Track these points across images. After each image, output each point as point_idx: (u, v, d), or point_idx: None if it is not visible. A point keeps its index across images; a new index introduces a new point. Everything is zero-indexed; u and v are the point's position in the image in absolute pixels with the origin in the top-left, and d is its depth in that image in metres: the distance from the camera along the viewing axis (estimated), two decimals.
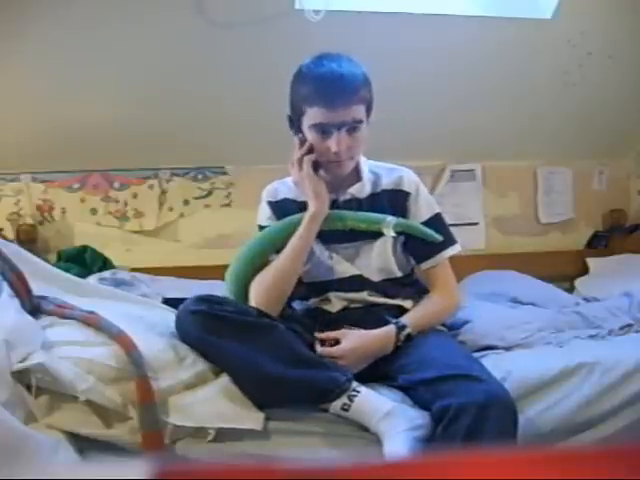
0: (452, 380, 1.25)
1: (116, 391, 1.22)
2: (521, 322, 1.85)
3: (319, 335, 1.45)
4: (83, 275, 2.08)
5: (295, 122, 1.51)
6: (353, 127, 1.44)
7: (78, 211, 2.58)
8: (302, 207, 1.53)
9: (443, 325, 1.63)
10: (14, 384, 1.16)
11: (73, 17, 2.16)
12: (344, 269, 1.56)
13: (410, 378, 1.35)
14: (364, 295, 1.57)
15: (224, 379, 1.31)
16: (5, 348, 1.15)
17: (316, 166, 1.52)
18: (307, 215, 1.49)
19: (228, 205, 2.67)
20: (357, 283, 1.56)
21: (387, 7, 2.29)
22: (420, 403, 1.31)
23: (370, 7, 2.29)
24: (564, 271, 2.75)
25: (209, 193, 2.66)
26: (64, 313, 1.35)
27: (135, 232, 2.62)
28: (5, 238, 2.29)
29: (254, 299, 1.49)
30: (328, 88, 1.40)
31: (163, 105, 2.42)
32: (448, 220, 1.66)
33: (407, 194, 1.57)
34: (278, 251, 1.51)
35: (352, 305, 1.58)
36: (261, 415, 1.26)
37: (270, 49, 2.29)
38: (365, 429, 1.28)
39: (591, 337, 1.82)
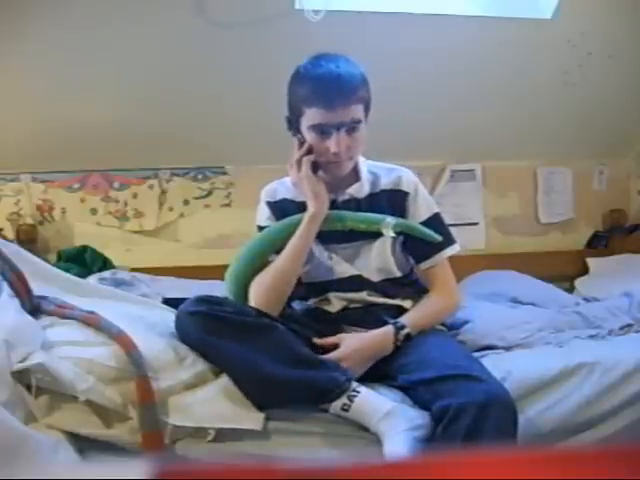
0: (452, 380, 1.25)
1: (116, 391, 1.22)
2: (521, 322, 1.85)
3: (317, 341, 1.45)
4: (83, 275, 2.08)
5: (294, 123, 1.51)
6: (352, 127, 1.44)
7: (78, 211, 2.58)
8: (301, 207, 1.53)
9: (443, 325, 1.63)
10: (14, 384, 1.16)
11: (73, 17, 2.16)
12: (343, 269, 1.56)
13: (410, 378, 1.35)
14: (364, 295, 1.57)
15: (224, 379, 1.31)
16: (5, 348, 1.15)
17: (315, 166, 1.52)
18: (306, 215, 1.49)
19: (228, 205, 2.67)
20: (356, 283, 1.56)
21: (387, 7, 2.29)
22: (420, 403, 1.31)
23: (370, 7, 2.29)
24: (564, 271, 2.75)
25: (209, 193, 2.67)
26: (64, 313, 1.35)
27: (135, 232, 2.62)
28: (5, 238, 2.29)
29: (254, 299, 1.49)
30: (326, 89, 1.40)
31: (163, 105, 2.42)
32: (448, 220, 1.66)
33: (406, 194, 1.57)
34: (278, 252, 1.51)
35: (352, 305, 1.58)
36: (261, 415, 1.26)
37: (270, 49, 2.29)
38: (365, 429, 1.28)
39: (591, 337, 1.81)
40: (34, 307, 1.35)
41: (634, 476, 0.35)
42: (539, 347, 1.74)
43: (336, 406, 1.29)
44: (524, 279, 2.47)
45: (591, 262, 2.76)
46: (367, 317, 1.52)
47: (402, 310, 1.55)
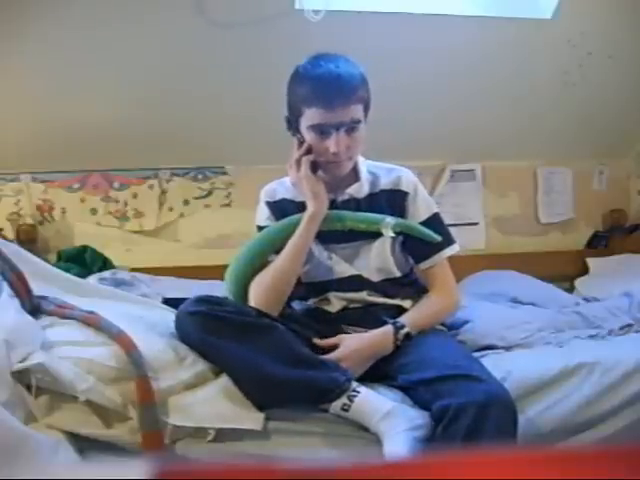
0: (452, 380, 1.25)
1: (116, 391, 1.22)
2: (521, 322, 1.85)
3: (317, 342, 1.45)
4: (83, 275, 2.08)
5: (293, 123, 1.50)
6: (351, 127, 1.44)
7: (78, 211, 2.58)
8: (300, 207, 1.53)
9: (443, 325, 1.63)
10: (14, 384, 1.16)
11: (73, 17, 2.16)
12: (343, 269, 1.56)
13: (410, 378, 1.35)
14: (363, 295, 1.57)
15: (224, 379, 1.31)
16: (5, 348, 1.15)
17: (314, 166, 1.52)
18: (306, 215, 1.49)
19: (228, 205, 2.67)
20: (356, 283, 1.56)
21: (387, 7, 2.29)
22: (420, 403, 1.31)
23: (370, 7, 2.29)
24: (564, 271, 2.75)
25: (209, 193, 2.67)
26: (64, 313, 1.35)
27: (135, 232, 2.62)
28: (5, 238, 2.29)
29: (253, 299, 1.49)
30: (326, 89, 1.40)
31: (163, 105, 2.42)
32: (448, 220, 1.66)
33: (405, 194, 1.57)
34: (277, 251, 1.51)
35: (351, 305, 1.58)
36: (261, 415, 1.26)
37: (270, 49, 2.29)
38: (365, 429, 1.28)
39: (591, 337, 1.81)
40: (34, 307, 1.35)
41: (634, 476, 0.35)
42: (539, 347, 1.74)
43: (336, 406, 1.29)
44: (524, 279, 2.47)
45: (591, 262, 2.76)
46: (367, 317, 1.52)
47: (402, 310, 1.55)
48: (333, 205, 1.55)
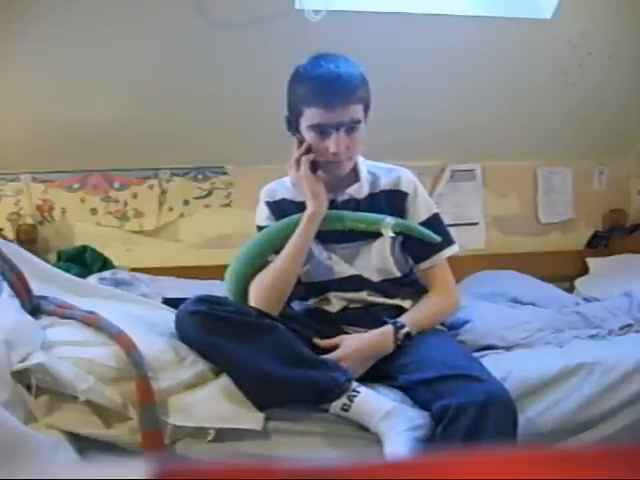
0: (452, 380, 1.25)
1: (116, 391, 1.22)
2: (521, 322, 1.85)
3: (317, 342, 1.45)
4: (83, 275, 2.08)
5: (293, 123, 1.51)
6: (351, 127, 1.44)
7: (78, 211, 2.58)
8: (300, 207, 1.53)
9: (443, 325, 1.63)
10: (14, 384, 1.16)
11: (73, 17, 2.16)
12: (343, 269, 1.56)
13: (410, 378, 1.35)
14: (363, 295, 1.57)
15: (224, 379, 1.31)
16: (5, 348, 1.15)
17: (314, 166, 1.52)
18: (306, 215, 1.49)
19: (228, 205, 2.67)
20: (356, 283, 1.56)
21: (387, 7, 2.29)
22: (420, 403, 1.31)
23: (370, 7, 2.29)
24: (564, 271, 2.75)
25: (209, 193, 2.66)
26: (64, 313, 1.35)
27: (135, 232, 2.62)
28: (5, 238, 2.29)
29: (253, 299, 1.49)
30: (326, 89, 1.40)
31: (163, 105, 2.42)
32: (448, 220, 1.66)
33: (405, 194, 1.57)
34: (277, 251, 1.51)
35: (352, 305, 1.58)
36: (261, 415, 1.26)
37: (270, 49, 2.29)
38: (365, 429, 1.28)
39: (591, 337, 1.82)
40: (34, 307, 1.35)
41: (634, 476, 0.35)
42: (539, 347, 1.74)
43: (336, 406, 1.29)
44: (524, 279, 2.47)
45: (591, 262, 2.76)
46: (367, 317, 1.52)
47: (402, 310, 1.55)
48: (333, 205, 1.55)
